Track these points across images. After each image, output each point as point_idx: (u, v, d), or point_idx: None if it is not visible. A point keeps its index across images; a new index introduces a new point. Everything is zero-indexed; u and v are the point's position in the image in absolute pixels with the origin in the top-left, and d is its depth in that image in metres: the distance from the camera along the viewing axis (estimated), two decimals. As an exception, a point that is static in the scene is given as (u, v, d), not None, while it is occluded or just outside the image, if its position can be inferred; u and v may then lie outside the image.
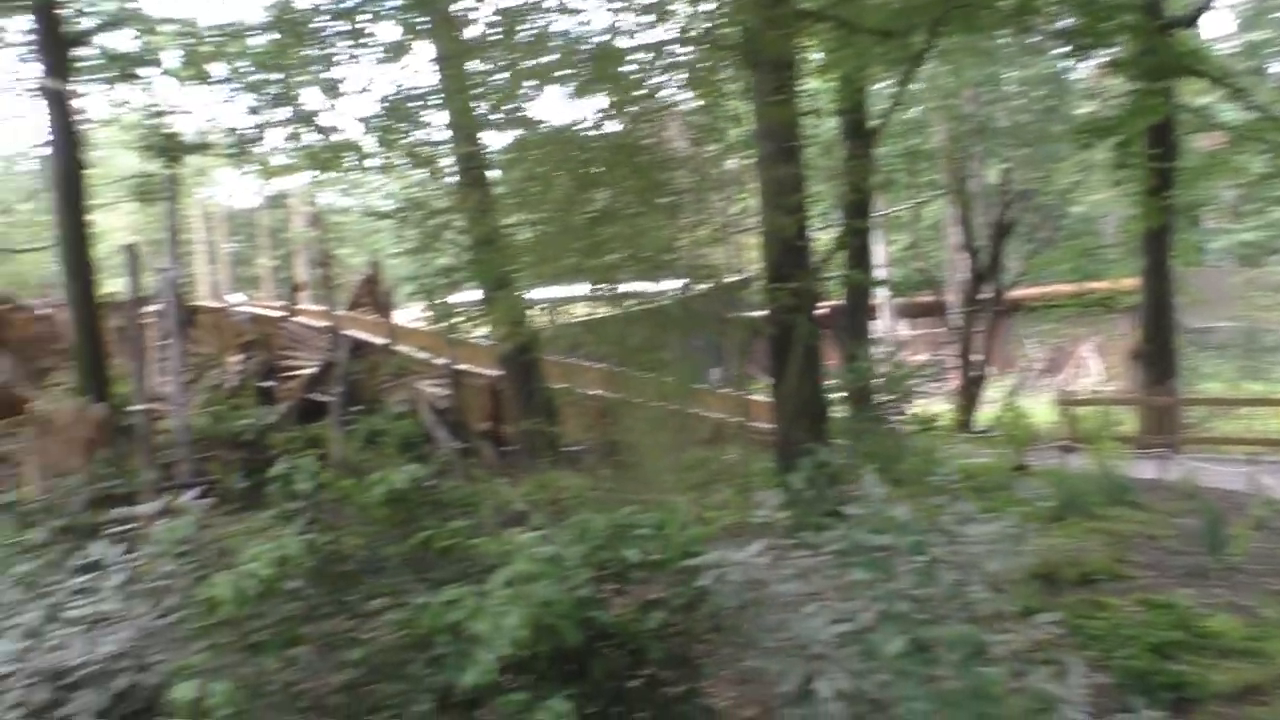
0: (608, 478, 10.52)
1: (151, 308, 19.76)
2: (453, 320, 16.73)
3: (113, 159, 26.43)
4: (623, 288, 9.15)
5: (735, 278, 9.56)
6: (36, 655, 3.06)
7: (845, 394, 10.40)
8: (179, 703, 2.47)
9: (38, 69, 12.43)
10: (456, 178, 13.12)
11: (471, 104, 10.68)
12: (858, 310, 13.50)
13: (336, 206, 32.53)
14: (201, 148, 13.78)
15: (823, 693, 2.81)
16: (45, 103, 12.18)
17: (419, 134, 13.41)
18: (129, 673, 3.33)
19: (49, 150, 12.40)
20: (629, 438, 10.40)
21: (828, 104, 13.05)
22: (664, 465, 9.16)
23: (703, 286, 9.31)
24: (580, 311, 13.63)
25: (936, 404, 14.88)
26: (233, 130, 13.33)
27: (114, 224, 27.64)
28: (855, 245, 12.67)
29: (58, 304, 19.81)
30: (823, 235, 12.86)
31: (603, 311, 11.01)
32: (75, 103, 12.56)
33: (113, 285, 17.63)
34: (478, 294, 15.08)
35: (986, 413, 17.40)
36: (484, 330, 17.49)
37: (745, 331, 9.95)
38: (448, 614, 2.66)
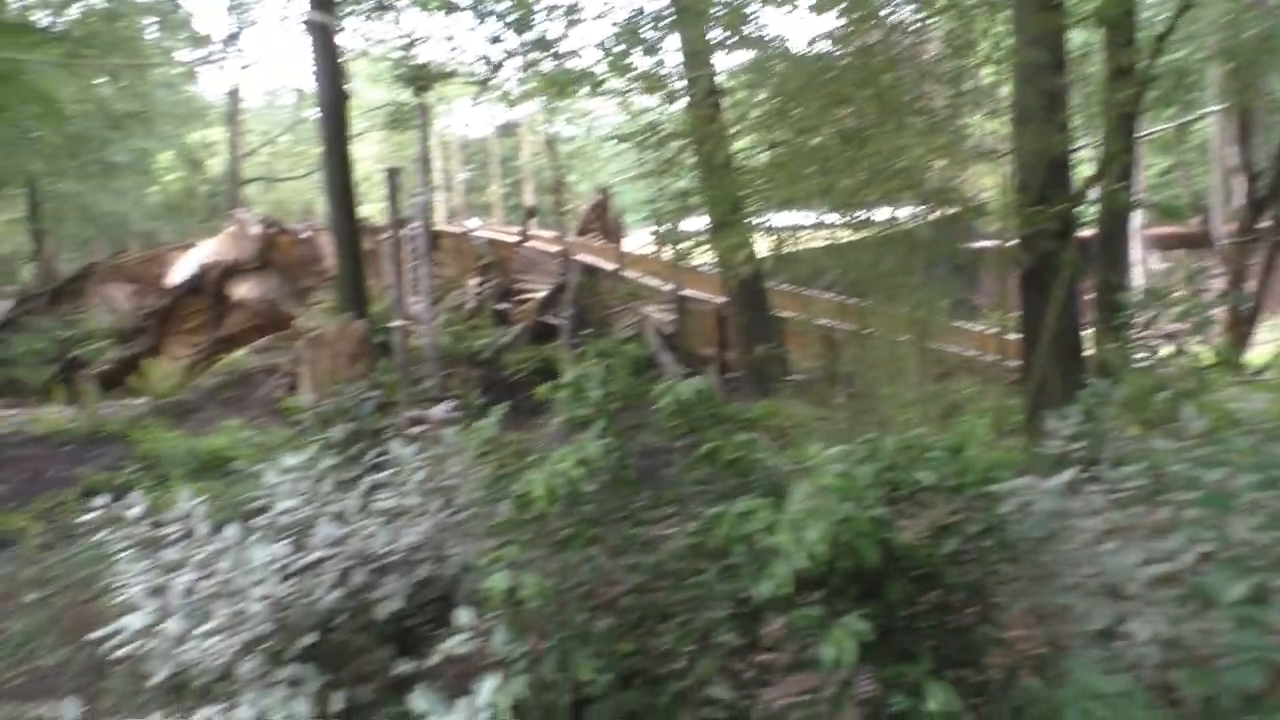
0: (838, 407, 10.30)
1: (402, 231, 21.04)
2: (682, 246, 16.85)
3: (364, 91, 28.02)
4: (863, 213, 8.86)
5: (986, 202, 9.00)
6: (352, 541, 3.32)
7: (1102, 328, 9.70)
8: (494, 592, 2.59)
9: (304, 4, 13.29)
10: (690, 102, 13.06)
11: (706, 26, 10.52)
12: (1114, 238, 12.50)
13: (566, 134, 33.24)
14: (447, 77, 14.36)
15: (1139, 635, 2.62)
16: (311, 37, 13.02)
17: (653, 58, 13.42)
18: (428, 563, 3.58)
19: (315, 82, 13.28)
20: (861, 368, 10.13)
21: (1095, 12, 11.98)
22: (898, 397, 8.89)
23: (949, 211, 8.87)
24: (813, 238, 13.34)
25: (1203, 343, 13.64)
26: (476, 58, 13.82)
27: (362, 154, 29.49)
28: (1118, 168, 11.69)
29: (318, 228, 21.48)
30: (1084, 156, 11.92)
31: (839, 238, 10.69)
32: (338, 36, 13.37)
33: (366, 210, 18.87)
34: (707, 220, 15.09)
35: (1260, 353, 15.81)
36: (712, 257, 17.56)
37: (997, 260, 9.40)
38: (743, 525, 2.65)
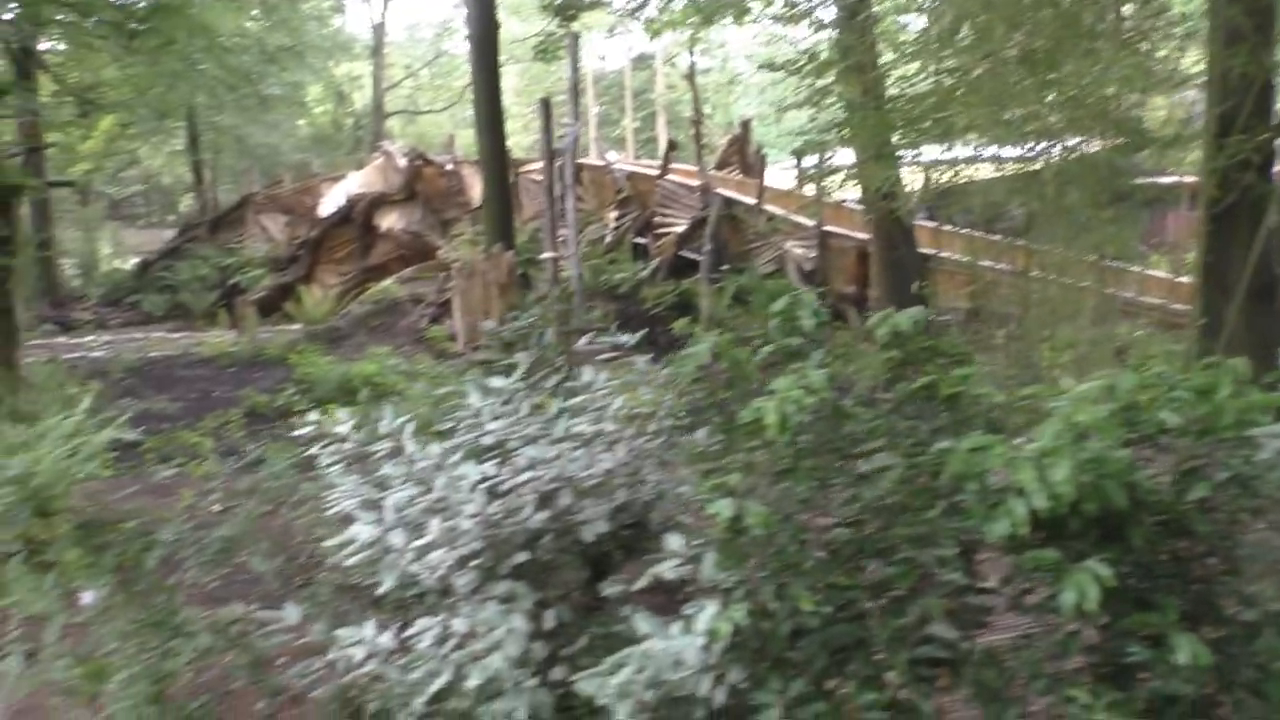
0: (993, 349, 9.91)
1: (542, 164, 21.17)
2: (825, 180, 16.44)
3: (505, 23, 28.09)
4: (1036, 144, 8.40)
5: (1175, 132, 8.40)
6: (554, 465, 3.36)
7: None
8: (719, 520, 2.57)
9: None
10: (843, 29, 12.61)
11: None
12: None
13: (703, 67, 32.73)
14: (594, 6, 14.24)
15: None
16: (462, -32, 13.07)
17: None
18: (624, 488, 3.59)
19: (468, 13, 13.35)
20: (1020, 309, 9.68)
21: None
22: (1054, 339, 8.49)
23: (1132, 142, 8.31)
24: (972, 172, 12.79)
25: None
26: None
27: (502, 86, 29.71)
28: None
29: (461, 160, 21.84)
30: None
31: (1002, 171, 10.17)
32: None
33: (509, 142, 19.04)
34: (855, 153, 14.64)
35: None
36: (857, 191, 17.08)
37: (1183, 197, 8.80)
38: (975, 461, 2.54)
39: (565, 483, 3.32)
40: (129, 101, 19.25)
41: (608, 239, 18.86)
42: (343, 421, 3.70)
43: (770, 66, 12.00)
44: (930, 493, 2.74)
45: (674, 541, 2.89)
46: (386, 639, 3.02)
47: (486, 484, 3.21)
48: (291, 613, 3.31)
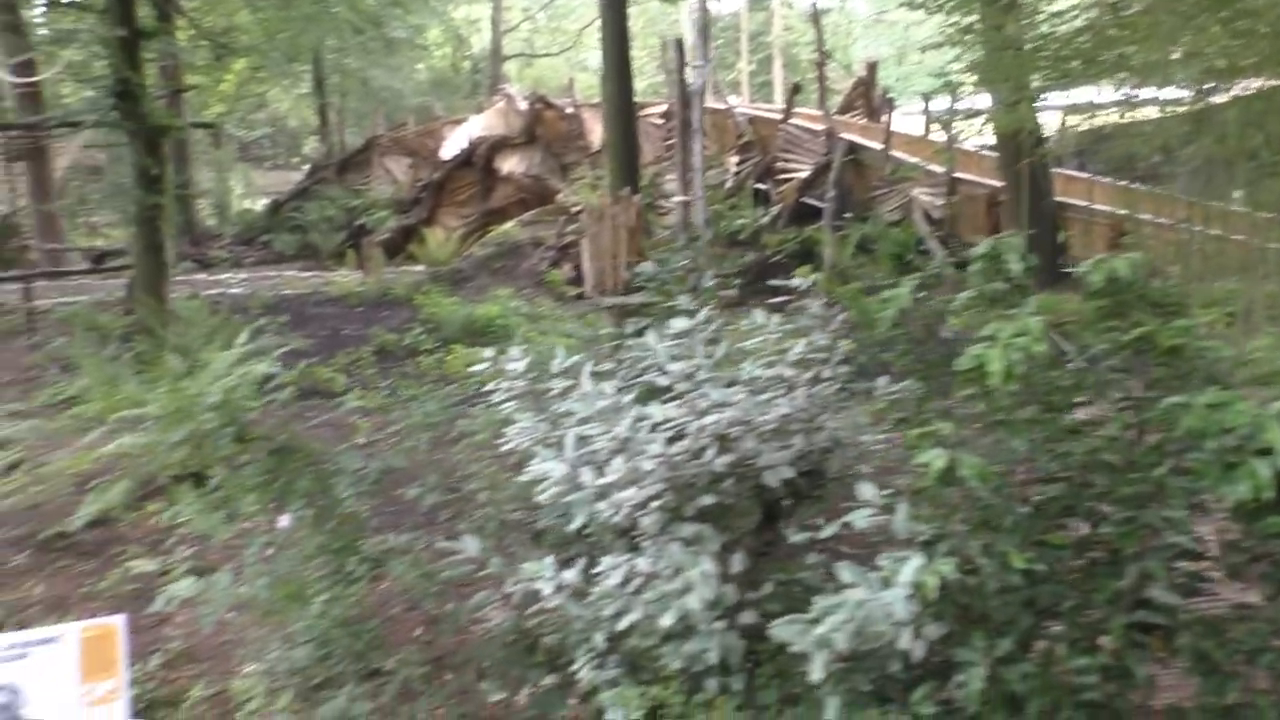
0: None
1: (664, 106, 20.94)
2: (960, 124, 15.83)
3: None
4: (1207, 85, 7.86)
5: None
6: (733, 408, 3.29)
7: None
8: (930, 470, 2.47)
9: None
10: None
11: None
12: None
13: (824, 7, 31.77)
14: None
15: None
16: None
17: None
18: (801, 434, 3.51)
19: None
20: (1169, 262, 9.15)
21: None
22: (1214, 296, 7.98)
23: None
24: (1117, 116, 12.11)
25: None
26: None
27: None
28: None
29: (581, 103, 21.75)
30: None
31: (1159, 115, 9.58)
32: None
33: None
34: (987, 98, 14.01)
35: None
36: (986, 137, 16.39)
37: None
38: (1214, 418, 2.37)
39: (745, 426, 3.26)
40: (260, 45, 19.73)
41: (728, 184, 18.57)
42: (515, 359, 3.71)
43: (910, 5, 11.50)
44: (1157, 450, 2.58)
45: (867, 490, 2.80)
46: (572, 575, 3.03)
47: (669, 425, 3.17)
48: (471, 544, 3.36)
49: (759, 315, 3.82)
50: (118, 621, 2.82)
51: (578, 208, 19.69)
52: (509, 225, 19.63)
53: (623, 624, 2.86)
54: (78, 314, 14.23)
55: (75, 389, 9.61)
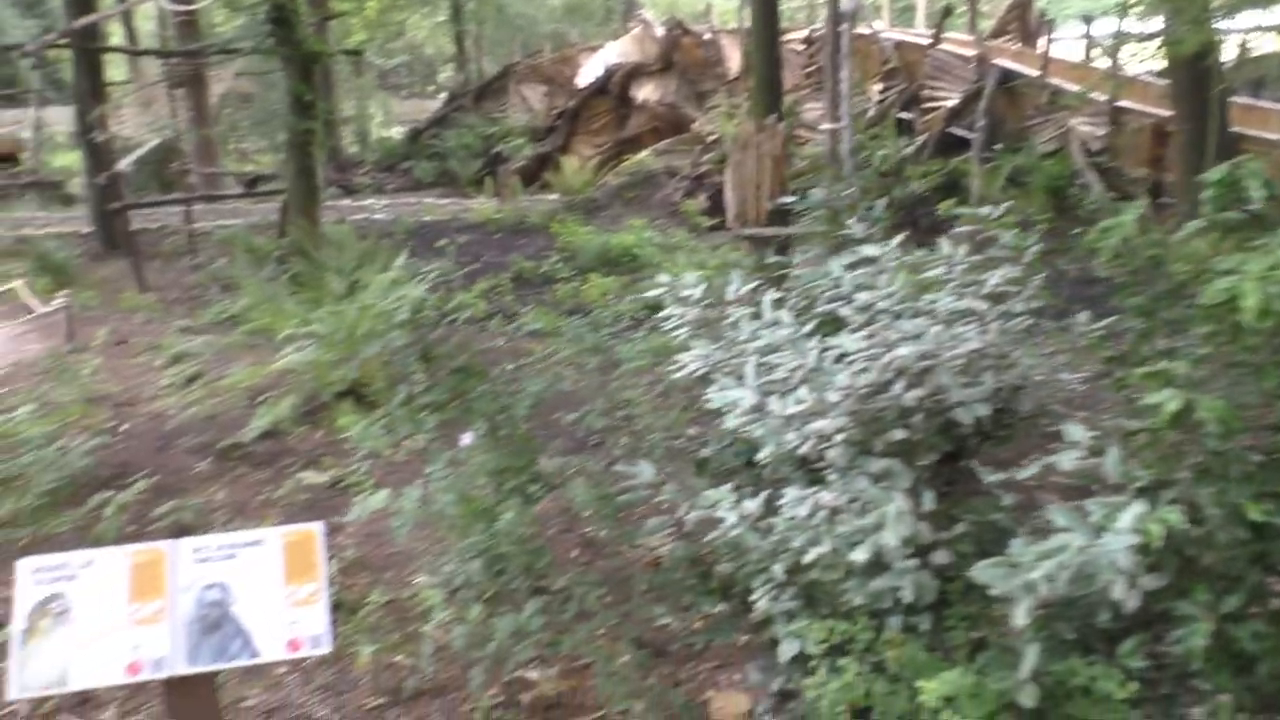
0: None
1: (804, 33, 20.29)
2: (1120, 49, 14.80)
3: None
4: None
5: None
6: (924, 341, 3.15)
7: None
8: (1163, 413, 2.30)
9: None
10: None
11: None
12: None
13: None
14: None
15: None
16: None
17: None
18: (992, 371, 3.35)
19: None
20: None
21: None
22: None
23: None
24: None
25: None
26: None
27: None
28: None
29: (719, 30, 21.27)
30: None
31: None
32: None
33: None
34: (1155, 22, 13.02)
35: None
36: (1154, 63, 15.28)
37: None
38: None
39: (935, 360, 3.12)
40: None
41: (870, 113, 17.91)
42: (691, 284, 3.64)
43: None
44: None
45: (1076, 432, 2.65)
46: (754, 505, 2.98)
47: (857, 356, 3.06)
48: (646, 470, 3.35)
49: (945, 245, 3.64)
50: (316, 528, 2.92)
51: (713, 136, 19.36)
52: (643, 154, 19.44)
53: (809, 556, 2.79)
54: (236, 236, 14.89)
55: (237, 308, 10.08)
